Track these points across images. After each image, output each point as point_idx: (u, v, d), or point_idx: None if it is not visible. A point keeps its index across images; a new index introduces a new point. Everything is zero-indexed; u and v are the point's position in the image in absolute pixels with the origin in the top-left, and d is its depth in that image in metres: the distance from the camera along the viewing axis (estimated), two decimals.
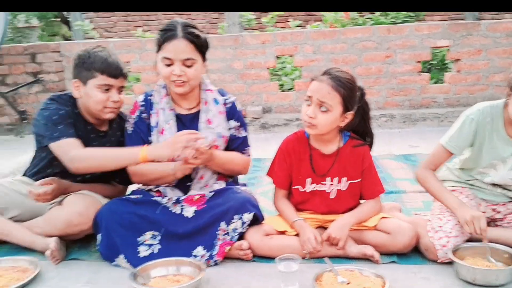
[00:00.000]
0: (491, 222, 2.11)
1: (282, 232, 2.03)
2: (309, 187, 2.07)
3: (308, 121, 1.94)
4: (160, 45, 2.02)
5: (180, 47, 1.98)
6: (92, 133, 2.24)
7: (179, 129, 2.10)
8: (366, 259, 1.93)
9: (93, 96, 2.12)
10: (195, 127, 2.10)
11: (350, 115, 1.98)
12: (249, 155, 2.23)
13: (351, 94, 1.94)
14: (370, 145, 2.13)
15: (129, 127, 2.18)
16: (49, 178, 2.14)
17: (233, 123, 2.18)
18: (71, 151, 2.03)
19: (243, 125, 2.21)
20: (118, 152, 2.07)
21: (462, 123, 1.99)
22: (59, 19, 13.34)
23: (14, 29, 12.61)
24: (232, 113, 2.18)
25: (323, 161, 2.05)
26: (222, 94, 2.20)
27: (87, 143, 2.14)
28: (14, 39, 12.18)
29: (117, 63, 2.14)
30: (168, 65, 2.01)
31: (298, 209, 2.12)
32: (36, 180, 2.19)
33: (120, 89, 2.18)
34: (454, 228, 1.91)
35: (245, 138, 2.22)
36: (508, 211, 2.07)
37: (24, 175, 2.34)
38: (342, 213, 2.06)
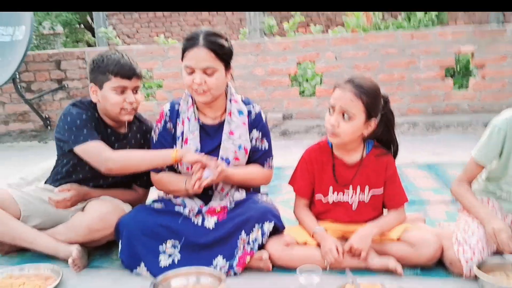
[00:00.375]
0: None
1: (303, 243, 2.00)
2: (332, 196, 2.05)
3: (331, 130, 1.93)
4: (183, 53, 2.03)
5: (200, 56, 1.98)
6: (113, 136, 2.27)
7: (202, 139, 2.11)
8: (389, 271, 1.90)
9: (109, 99, 2.16)
10: (219, 138, 2.11)
11: (373, 123, 1.95)
12: (270, 167, 2.21)
13: (374, 102, 1.92)
14: (395, 154, 2.10)
15: (155, 136, 2.19)
16: (68, 184, 2.17)
17: (256, 133, 2.16)
18: (103, 152, 2.07)
19: (265, 136, 2.19)
20: (151, 153, 2.12)
21: (490, 133, 1.97)
22: (83, 26, 13.60)
23: (39, 36, 12.88)
24: (256, 123, 2.16)
25: (346, 171, 2.03)
26: (247, 103, 2.19)
27: (109, 146, 2.16)
28: (39, 46, 12.45)
29: (130, 64, 2.16)
30: (190, 74, 2.02)
31: (319, 219, 2.10)
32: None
33: (135, 89, 2.20)
34: (480, 241, 1.85)
35: (267, 149, 2.19)
36: None
37: (46, 182, 2.37)
38: (364, 223, 2.03)
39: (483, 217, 1.89)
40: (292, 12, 6.66)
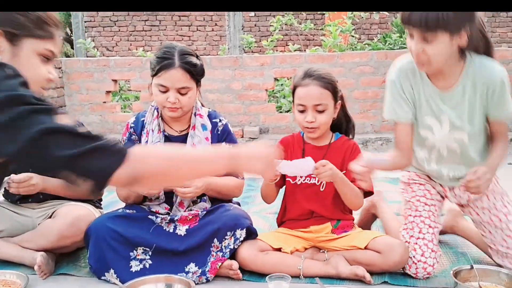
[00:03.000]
0: (461, 207, 2.11)
1: (278, 249, 2.02)
2: (300, 179, 2.10)
3: (309, 126, 2.02)
4: (156, 71, 2.03)
5: (176, 77, 2.01)
6: None
7: None
8: (358, 280, 1.92)
9: None
10: None
11: (339, 104, 2.08)
12: (243, 178, 2.23)
13: (335, 85, 2.05)
14: (353, 131, 2.20)
15: None
16: (25, 174, 2.07)
17: (225, 146, 2.18)
18: None
19: None
20: None
21: (388, 88, 1.90)
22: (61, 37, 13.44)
23: None
24: (223, 136, 2.19)
25: (315, 153, 2.06)
26: (214, 117, 2.21)
27: None
28: None
29: None
30: (164, 92, 2.04)
31: (292, 226, 2.12)
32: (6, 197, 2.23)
33: None
34: (424, 245, 1.94)
35: None
36: (468, 197, 2.00)
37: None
38: (331, 205, 2.07)
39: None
40: (271, 30, 6.78)
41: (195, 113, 2.18)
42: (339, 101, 2.07)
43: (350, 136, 2.19)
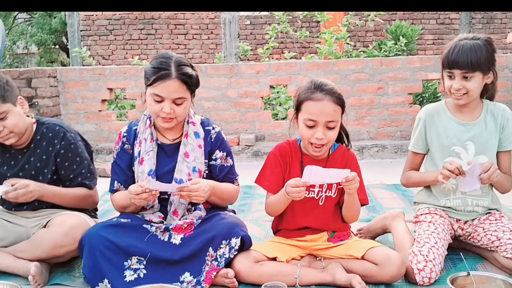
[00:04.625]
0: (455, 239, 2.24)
1: (273, 258, 2.00)
2: None
3: (318, 143, 1.96)
4: (151, 81, 2.02)
5: (173, 88, 2.00)
6: (12, 155, 2.23)
7: (161, 159, 2.13)
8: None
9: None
10: (176, 158, 2.12)
11: (344, 115, 2.04)
12: (238, 184, 2.23)
13: (343, 100, 2.00)
14: (347, 140, 2.16)
15: (113, 158, 2.21)
16: (20, 183, 2.06)
17: (219, 153, 2.17)
18: None
19: (229, 154, 2.20)
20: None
21: (415, 125, 2.28)
22: (57, 46, 13.51)
23: (13, 55, 12.71)
24: (217, 143, 2.18)
25: (314, 165, 2.03)
26: (207, 124, 2.20)
27: (10, 166, 2.20)
28: (12, 65, 12.27)
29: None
30: (159, 102, 2.03)
31: (287, 236, 2.11)
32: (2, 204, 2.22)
33: (4, 114, 2.10)
34: (431, 251, 1.96)
35: (232, 166, 2.22)
36: (472, 228, 2.18)
37: None
38: (328, 219, 2.06)
39: (435, 175, 2.08)
40: (267, 38, 6.81)
41: (188, 121, 2.17)
42: (345, 113, 2.04)
43: (349, 146, 2.16)
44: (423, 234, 2.06)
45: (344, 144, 2.16)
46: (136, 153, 2.14)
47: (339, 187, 1.98)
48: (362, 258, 1.96)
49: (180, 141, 2.15)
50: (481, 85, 2.07)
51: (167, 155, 2.14)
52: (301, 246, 2.07)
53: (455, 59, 2.03)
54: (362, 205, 2.06)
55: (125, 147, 2.18)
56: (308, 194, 2.03)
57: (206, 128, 2.19)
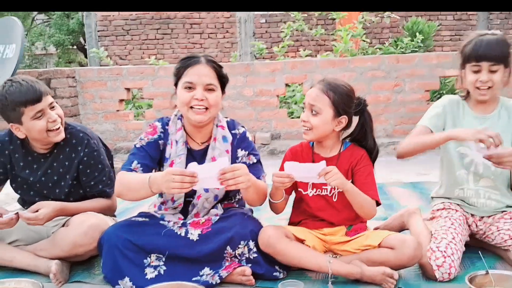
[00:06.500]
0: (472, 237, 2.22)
1: (302, 240, 2.01)
2: (311, 191, 2.10)
3: (303, 125, 2.06)
4: (181, 72, 2.03)
5: (203, 72, 2.02)
6: (35, 158, 2.25)
7: (189, 164, 2.08)
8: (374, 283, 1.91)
9: (34, 128, 2.11)
10: (203, 163, 2.03)
11: (344, 119, 2.05)
12: (265, 181, 2.15)
13: (341, 98, 2.03)
14: (374, 157, 2.15)
15: (139, 144, 2.12)
16: (36, 204, 2.11)
17: (241, 152, 2.15)
18: None
19: (252, 153, 2.16)
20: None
21: (435, 105, 2.24)
22: (75, 47, 13.68)
23: (31, 56, 12.91)
24: (239, 144, 2.15)
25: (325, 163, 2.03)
26: (233, 128, 2.19)
27: (33, 170, 2.23)
28: (31, 66, 12.47)
29: (31, 86, 2.09)
30: (190, 90, 2.02)
31: (307, 227, 2.11)
32: (22, 204, 2.27)
33: (51, 106, 2.14)
34: (449, 246, 1.97)
35: (256, 164, 2.16)
36: (486, 226, 2.17)
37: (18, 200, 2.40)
38: (343, 215, 2.08)
39: (446, 135, 2.04)
40: (282, 36, 6.80)
41: (216, 124, 2.16)
42: (345, 117, 2.04)
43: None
44: (440, 230, 2.06)
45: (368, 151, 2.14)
46: (167, 154, 2.12)
47: (324, 182, 1.96)
48: (379, 246, 1.97)
49: (207, 147, 2.14)
50: (503, 79, 2.09)
51: (195, 160, 2.06)
52: (321, 238, 2.08)
53: (484, 51, 2.03)
54: (375, 202, 2.05)
55: (160, 142, 2.13)
56: (321, 192, 2.09)
57: (233, 132, 2.17)
